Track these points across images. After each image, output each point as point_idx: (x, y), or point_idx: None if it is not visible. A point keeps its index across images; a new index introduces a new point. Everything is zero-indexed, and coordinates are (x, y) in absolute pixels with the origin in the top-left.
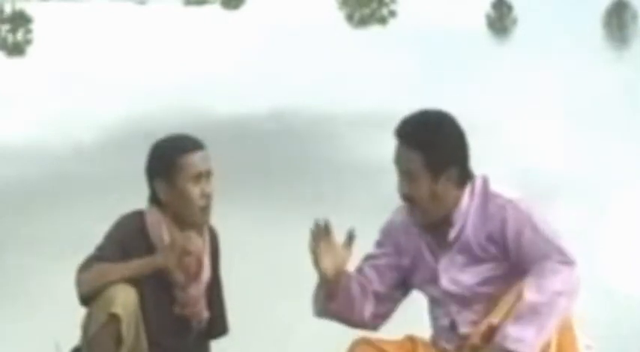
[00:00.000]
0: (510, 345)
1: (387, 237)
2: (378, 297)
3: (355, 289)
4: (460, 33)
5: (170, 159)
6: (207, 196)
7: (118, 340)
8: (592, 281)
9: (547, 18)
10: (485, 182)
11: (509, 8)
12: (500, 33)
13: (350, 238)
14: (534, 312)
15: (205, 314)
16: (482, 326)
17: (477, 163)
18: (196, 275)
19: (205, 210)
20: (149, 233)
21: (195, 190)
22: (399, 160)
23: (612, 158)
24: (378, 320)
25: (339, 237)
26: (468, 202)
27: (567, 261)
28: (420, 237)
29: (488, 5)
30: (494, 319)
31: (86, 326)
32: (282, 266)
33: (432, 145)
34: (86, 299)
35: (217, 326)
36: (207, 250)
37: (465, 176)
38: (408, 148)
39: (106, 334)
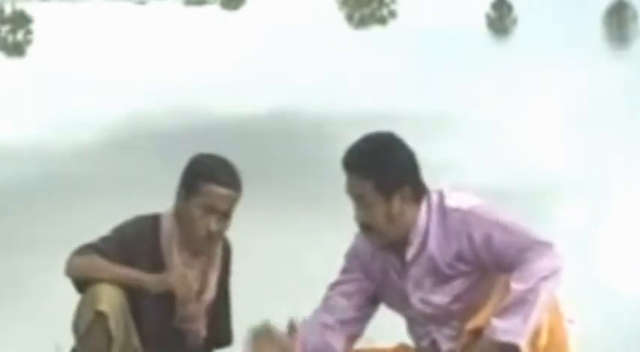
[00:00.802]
0: (500, 337)
1: (353, 262)
2: (350, 323)
3: (317, 347)
4: (460, 33)
5: (197, 179)
6: (209, 232)
7: (108, 337)
8: (592, 281)
9: (547, 18)
10: (440, 197)
11: (509, 8)
12: (500, 33)
13: (291, 328)
14: (520, 301)
15: (203, 332)
16: (470, 326)
17: (478, 163)
18: (198, 294)
19: (205, 241)
20: (161, 238)
21: (201, 220)
22: (350, 189)
23: (612, 158)
24: (352, 341)
25: (337, 238)
26: (425, 219)
27: (546, 245)
28: (385, 260)
29: (488, 5)
30: (479, 322)
31: (76, 325)
32: (283, 267)
33: (380, 169)
34: (77, 284)
35: (222, 336)
36: (216, 267)
37: (419, 192)
38: (357, 176)
39: (95, 331)
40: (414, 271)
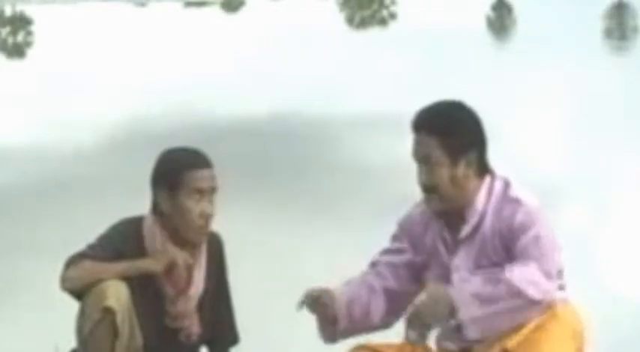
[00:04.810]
0: (450, 290)
1: (404, 230)
2: (392, 295)
3: (357, 303)
4: (460, 34)
5: (177, 173)
6: (206, 217)
7: (114, 335)
8: (592, 282)
9: (547, 18)
10: (505, 185)
11: (509, 9)
12: (500, 34)
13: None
14: (498, 289)
15: (196, 329)
16: (495, 350)
17: None
18: (184, 290)
19: (202, 229)
20: (144, 239)
21: (195, 209)
22: (417, 149)
23: (612, 158)
24: (391, 318)
25: (336, 238)
26: (484, 201)
27: (544, 291)
28: (438, 232)
29: (488, 7)
30: (508, 343)
31: (80, 326)
32: (282, 268)
33: (449, 129)
34: (74, 294)
35: (228, 336)
36: (202, 264)
37: (484, 167)
38: (425, 135)
39: (101, 330)
40: (464, 250)
